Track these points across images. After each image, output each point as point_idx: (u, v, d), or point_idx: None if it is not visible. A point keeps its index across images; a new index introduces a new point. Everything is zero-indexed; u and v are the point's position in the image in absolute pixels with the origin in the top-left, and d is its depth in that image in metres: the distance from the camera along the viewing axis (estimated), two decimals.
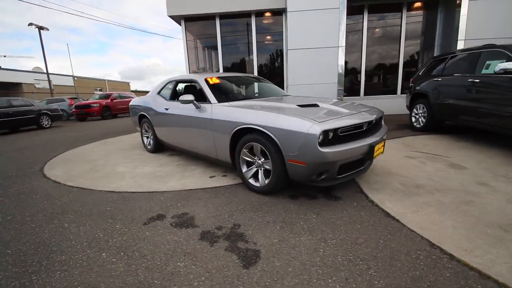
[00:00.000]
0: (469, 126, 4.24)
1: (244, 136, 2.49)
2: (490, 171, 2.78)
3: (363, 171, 2.45)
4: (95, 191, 2.73)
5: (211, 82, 3.19)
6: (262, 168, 2.46)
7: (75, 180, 3.13)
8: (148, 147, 4.37)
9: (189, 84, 3.59)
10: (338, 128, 2.07)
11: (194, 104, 2.99)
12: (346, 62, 7.61)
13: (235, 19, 8.02)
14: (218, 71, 8.35)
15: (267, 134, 2.24)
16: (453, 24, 6.98)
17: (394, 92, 8.10)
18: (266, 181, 2.38)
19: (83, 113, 12.22)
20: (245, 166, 2.60)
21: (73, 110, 12.44)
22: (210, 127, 2.82)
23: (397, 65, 7.89)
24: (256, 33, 7.97)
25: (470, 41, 6.65)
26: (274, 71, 8.40)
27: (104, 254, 1.62)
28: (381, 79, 8.24)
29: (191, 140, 3.21)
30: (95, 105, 12.24)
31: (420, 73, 5.39)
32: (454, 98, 4.22)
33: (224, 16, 7.86)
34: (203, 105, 2.98)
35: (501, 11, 6.47)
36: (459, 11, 6.67)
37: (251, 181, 2.54)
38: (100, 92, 17.97)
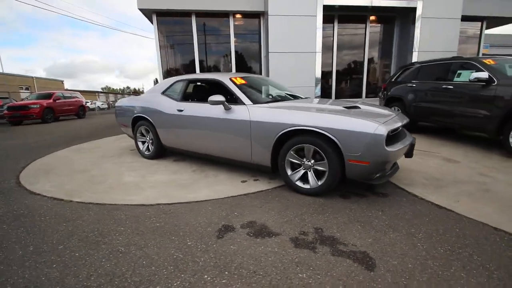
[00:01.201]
0: (440, 126, 4.97)
1: (291, 138, 2.46)
2: (480, 164, 3.31)
3: (398, 168, 2.67)
4: (121, 206, 2.35)
5: (237, 83, 3.05)
6: (311, 170, 2.46)
7: (80, 195, 2.63)
8: (146, 153, 3.93)
9: (206, 84, 3.36)
10: (396, 129, 2.22)
11: (225, 106, 2.82)
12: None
13: (212, 18, 7.78)
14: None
15: (323, 135, 2.26)
16: (408, 37, 8.04)
17: (359, 95, 8.92)
18: (320, 183, 2.39)
19: (19, 115, 10.23)
20: (289, 169, 2.56)
21: (5, 112, 10.30)
22: (246, 129, 2.69)
23: (362, 71, 8.72)
24: (234, 34, 7.87)
25: (421, 53, 7.77)
26: (254, 73, 8.41)
27: (206, 276, 1.42)
28: (348, 84, 8.99)
29: (216, 143, 3.01)
30: (35, 106, 10.35)
31: (393, 80, 6.07)
32: (429, 101, 4.89)
33: (200, 14, 7.55)
34: (234, 106, 2.83)
35: (444, 31, 7.72)
36: (413, 26, 7.73)
37: (299, 183, 2.52)
38: (37, 92, 15.32)
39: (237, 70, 8.15)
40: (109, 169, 3.49)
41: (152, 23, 7.60)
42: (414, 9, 7.58)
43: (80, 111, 13.20)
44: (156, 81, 7.91)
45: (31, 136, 7.16)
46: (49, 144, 5.56)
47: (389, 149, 2.08)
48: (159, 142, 3.70)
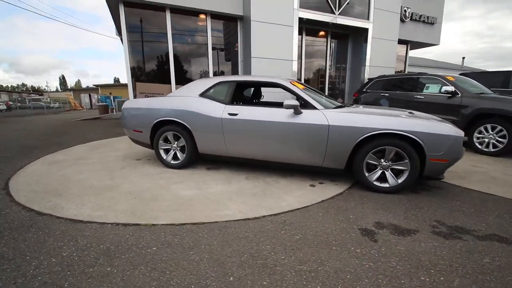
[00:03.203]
0: None
1: (371, 142, 2.64)
2: (465, 160, 4.21)
3: None
4: (226, 223, 2.04)
5: (300, 88, 3.04)
6: (388, 170, 2.70)
7: (153, 216, 2.15)
8: (172, 162, 3.44)
9: (259, 87, 3.21)
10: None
11: (297, 110, 2.79)
12: None
13: (188, 16, 7.29)
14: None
15: (406, 137, 2.53)
16: (360, 53, 9.36)
17: None
18: (399, 181, 2.65)
19: None
20: (366, 170, 2.74)
21: None
22: (323, 134, 2.73)
23: (324, 80, 9.66)
24: (211, 36, 7.57)
25: (372, 67, 9.18)
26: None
27: (422, 277, 1.45)
28: None
29: (281, 148, 2.92)
30: None
31: (364, 89, 6.99)
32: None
33: (175, 10, 6.98)
34: (305, 111, 2.83)
35: (387, 50, 9.33)
36: (365, 44, 9.06)
37: (376, 183, 2.72)
38: None
39: (214, 73, 7.85)
40: (141, 183, 2.91)
41: (112, 15, 6.60)
42: (366, 30, 8.90)
43: None
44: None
45: None
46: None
47: (463, 148, 2.51)
48: (195, 149, 3.31)
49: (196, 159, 3.44)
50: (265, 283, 1.40)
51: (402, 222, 2.10)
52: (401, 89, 6.00)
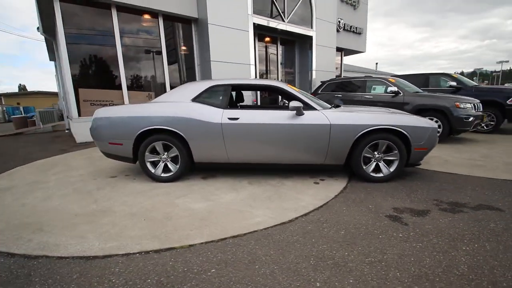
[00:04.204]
0: None
1: (367, 137, 2.92)
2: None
3: None
4: (262, 232, 1.96)
5: (297, 90, 3.13)
6: (381, 161, 3.03)
7: (175, 236, 1.90)
8: (163, 175, 3.10)
9: (255, 90, 3.15)
10: None
11: (299, 111, 2.87)
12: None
13: (138, 16, 6.66)
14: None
15: (396, 131, 2.89)
16: (306, 58, 10.15)
17: (276, 102, 10.24)
18: (391, 169, 3.00)
19: None
20: (363, 163, 3.01)
21: None
22: (325, 133, 2.88)
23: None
24: (165, 39, 7.08)
25: (318, 71, 10.06)
26: (187, 82, 7.81)
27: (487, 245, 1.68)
28: (267, 93, 10.12)
29: (284, 150, 2.96)
30: None
31: (319, 91, 7.60)
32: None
33: (123, 8, 6.29)
34: (306, 112, 2.93)
35: (327, 56, 10.36)
36: (311, 51, 9.87)
37: (373, 174, 3.02)
38: None
39: (171, 80, 7.35)
40: (137, 202, 2.53)
41: (40, 9, 5.56)
42: (311, 37, 9.70)
43: None
44: None
45: None
46: None
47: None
48: (190, 158, 3.05)
49: (188, 170, 3.17)
50: (351, 281, 1.41)
51: (411, 204, 2.39)
52: (351, 91, 6.76)
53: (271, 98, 9.85)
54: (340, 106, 3.34)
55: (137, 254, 1.70)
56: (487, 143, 5.19)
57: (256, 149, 2.99)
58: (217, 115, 2.95)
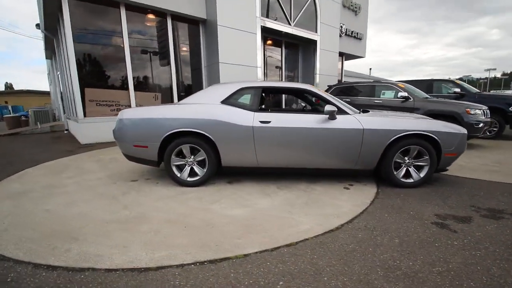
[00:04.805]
0: None
1: (399, 142, 2.91)
2: None
3: None
4: (307, 242, 1.90)
5: (328, 94, 3.09)
6: (411, 166, 3.02)
7: (228, 246, 1.82)
8: (189, 179, 3.00)
9: (283, 93, 3.10)
10: None
11: (333, 115, 2.84)
12: None
13: (146, 16, 6.52)
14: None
15: (427, 136, 2.89)
16: (310, 62, 10.19)
17: (280, 105, 10.22)
18: (421, 175, 2.99)
19: None
20: (393, 169, 3.00)
21: None
22: (358, 137, 2.85)
23: None
24: (173, 39, 6.96)
25: (321, 75, 10.11)
26: (193, 84, 7.70)
27: None
28: (272, 96, 10.09)
29: (316, 154, 2.91)
30: None
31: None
32: None
33: (131, 7, 6.15)
34: (338, 116, 2.90)
35: (331, 60, 10.44)
36: (315, 55, 9.92)
37: (403, 179, 3.00)
38: None
39: (177, 81, 7.23)
40: (171, 208, 2.43)
41: (45, 6, 5.37)
42: (315, 41, 9.76)
43: None
44: None
45: None
46: None
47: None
48: (218, 162, 2.97)
49: (214, 173, 3.08)
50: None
51: (451, 211, 2.38)
52: (359, 95, 6.80)
53: (275, 101, 9.82)
54: (369, 111, 3.32)
55: (192, 265, 1.61)
56: (494, 148, 5.30)
57: (287, 153, 2.94)
58: (248, 118, 2.89)
